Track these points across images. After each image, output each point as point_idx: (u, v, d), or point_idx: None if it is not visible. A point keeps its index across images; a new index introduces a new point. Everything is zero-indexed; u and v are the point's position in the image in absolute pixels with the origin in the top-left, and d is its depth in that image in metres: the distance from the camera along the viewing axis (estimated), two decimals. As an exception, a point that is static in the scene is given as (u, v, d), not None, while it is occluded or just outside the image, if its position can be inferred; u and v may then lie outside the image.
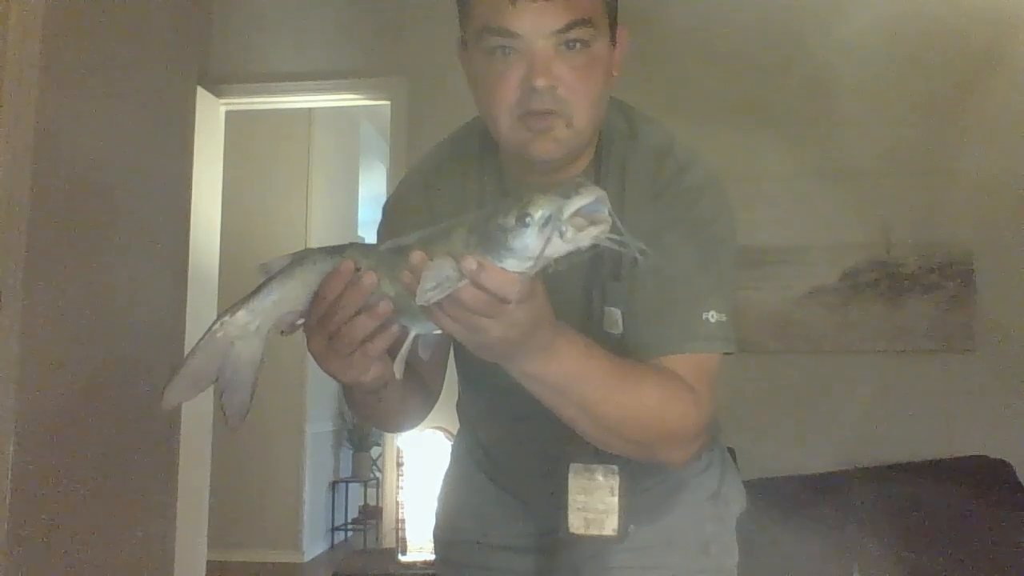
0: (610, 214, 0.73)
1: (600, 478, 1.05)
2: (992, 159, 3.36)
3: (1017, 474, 3.01)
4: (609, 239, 0.74)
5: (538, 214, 0.71)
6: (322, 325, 0.84)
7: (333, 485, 5.81)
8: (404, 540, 3.21)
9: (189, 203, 3.33)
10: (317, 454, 5.57)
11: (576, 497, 1.05)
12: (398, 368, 0.86)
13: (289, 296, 0.85)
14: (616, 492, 1.05)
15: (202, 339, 0.85)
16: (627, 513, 1.06)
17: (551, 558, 1.19)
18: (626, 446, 0.98)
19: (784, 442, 3.16)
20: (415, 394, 1.12)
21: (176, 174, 3.23)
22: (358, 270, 0.81)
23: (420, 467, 3.20)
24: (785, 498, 2.73)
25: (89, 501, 2.59)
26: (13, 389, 2.27)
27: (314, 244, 5.28)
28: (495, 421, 1.23)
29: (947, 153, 3.40)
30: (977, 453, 3.08)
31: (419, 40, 3.68)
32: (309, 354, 0.88)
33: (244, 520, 5.11)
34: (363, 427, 5.88)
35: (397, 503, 3.25)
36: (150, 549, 2.96)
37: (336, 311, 0.82)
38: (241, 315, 0.85)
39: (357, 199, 6.36)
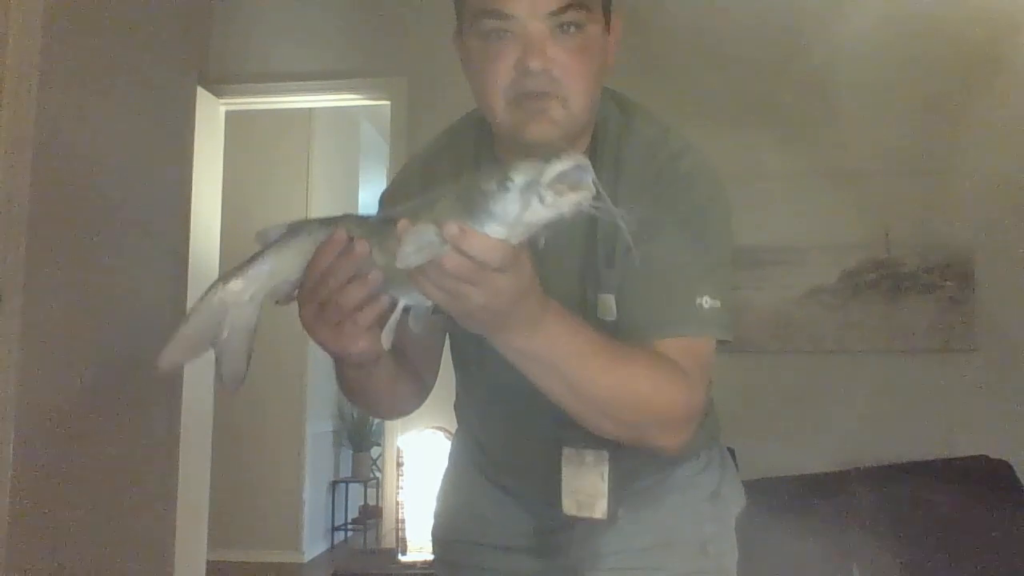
0: (593, 183, 0.73)
1: (590, 462, 1.05)
2: (992, 159, 3.36)
3: (1017, 474, 3.01)
4: (592, 207, 0.74)
5: (518, 178, 0.72)
6: (314, 293, 0.84)
7: (333, 485, 5.81)
8: (404, 540, 3.21)
9: (189, 203, 3.33)
10: (317, 454, 5.57)
11: (568, 480, 1.06)
12: (386, 338, 0.86)
13: (284, 265, 0.86)
14: (605, 477, 1.05)
15: (198, 304, 0.86)
16: (617, 498, 1.06)
17: (548, 558, 1.19)
18: (616, 428, 0.97)
19: (784, 442, 3.16)
20: (407, 380, 1.12)
21: (176, 174, 3.24)
22: (352, 240, 0.82)
23: (420, 467, 3.20)
24: (785, 498, 2.73)
25: (89, 501, 2.59)
26: (13, 389, 2.27)
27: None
28: (490, 414, 1.23)
29: (947, 153, 3.40)
30: (977, 453, 3.08)
31: (419, 40, 3.68)
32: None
33: (244, 520, 5.11)
34: (363, 427, 5.88)
35: (397, 503, 3.25)
36: (150, 549, 2.96)
37: (328, 279, 0.83)
38: (236, 283, 0.86)
39: (357, 199, 6.36)
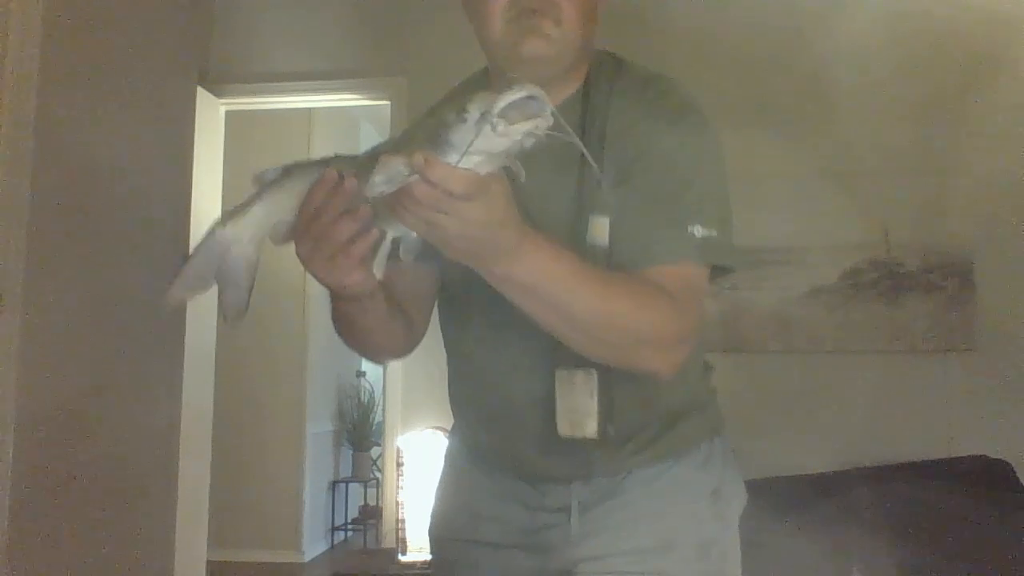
0: (553, 114, 0.76)
1: (579, 380, 1.08)
2: (992, 159, 3.36)
3: (1017, 474, 3.01)
4: (548, 134, 0.77)
5: (473, 108, 0.74)
6: (309, 229, 0.88)
7: (333, 485, 5.81)
8: (404, 540, 3.21)
9: (189, 203, 3.33)
10: (317, 454, 5.56)
11: (561, 401, 1.08)
12: (378, 268, 0.91)
13: (280, 206, 0.91)
14: (595, 394, 1.07)
15: (200, 243, 0.92)
16: (607, 416, 1.08)
17: (543, 557, 1.19)
18: (604, 350, 1.01)
19: (784, 442, 3.15)
20: (399, 320, 1.14)
21: (176, 174, 3.24)
22: (342, 177, 0.86)
23: (420, 467, 3.20)
24: (785, 498, 2.72)
25: (89, 500, 2.59)
26: (13, 389, 2.27)
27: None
28: (482, 358, 1.22)
29: (947, 153, 3.40)
30: (977, 453, 3.08)
31: (419, 40, 3.68)
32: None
33: (244, 520, 5.10)
34: (363, 427, 5.87)
35: (397, 503, 3.25)
36: (150, 549, 2.96)
37: (321, 215, 0.87)
38: (235, 223, 0.91)
39: (357, 199, 6.35)
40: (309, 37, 3.86)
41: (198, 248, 0.92)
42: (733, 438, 1.29)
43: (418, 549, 3.17)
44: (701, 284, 1.07)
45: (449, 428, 1.39)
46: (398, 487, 3.25)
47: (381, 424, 4.52)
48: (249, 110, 4.27)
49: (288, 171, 0.91)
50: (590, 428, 1.07)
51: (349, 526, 5.90)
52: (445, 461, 1.36)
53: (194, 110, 3.42)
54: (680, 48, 3.43)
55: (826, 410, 3.27)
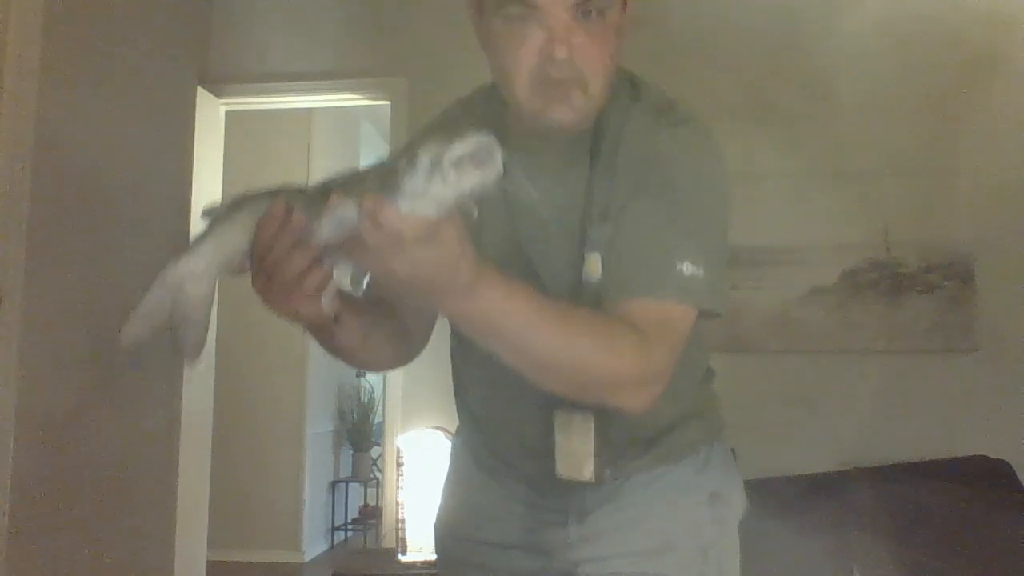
0: (505, 165, 0.76)
1: (578, 422, 1.07)
2: (992, 159, 3.36)
3: (1017, 474, 3.01)
4: (500, 186, 0.77)
5: (424, 157, 0.75)
6: (261, 263, 0.88)
7: (333, 485, 5.81)
8: (404, 540, 3.20)
9: (189, 203, 3.33)
10: (317, 454, 5.56)
11: (560, 441, 1.08)
12: (326, 303, 0.89)
13: (230, 239, 0.90)
14: (591, 438, 1.06)
15: (154, 283, 0.91)
16: (603, 460, 1.07)
17: (545, 557, 1.19)
18: (565, 388, 0.99)
19: (784, 442, 3.16)
20: (389, 334, 1.13)
21: (176, 174, 3.24)
22: (291, 211, 0.86)
23: (420, 467, 3.20)
24: (785, 498, 2.72)
25: (89, 501, 2.59)
26: (13, 389, 2.27)
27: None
28: (485, 382, 1.22)
29: (947, 153, 3.40)
30: (977, 453, 3.08)
31: (419, 40, 3.68)
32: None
33: (244, 520, 5.10)
34: (363, 427, 5.87)
35: (397, 503, 3.25)
36: (150, 549, 2.96)
37: (271, 250, 0.86)
38: (188, 258, 0.90)
39: (357, 199, 6.35)
40: (309, 37, 3.86)
41: (152, 287, 0.91)
42: (733, 438, 1.29)
43: (418, 549, 3.16)
44: (681, 325, 1.02)
45: (449, 428, 1.39)
46: (398, 487, 3.25)
47: (381, 424, 4.52)
48: (249, 110, 4.27)
49: (238, 204, 0.91)
50: (587, 471, 1.06)
51: (349, 526, 5.90)
52: (450, 460, 1.37)
53: (194, 110, 3.42)
54: (680, 48, 3.43)
55: (826, 410, 3.27)
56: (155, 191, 3.03)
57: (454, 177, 0.75)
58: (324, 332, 1.01)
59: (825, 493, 2.91)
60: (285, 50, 3.85)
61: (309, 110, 5.19)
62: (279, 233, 0.85)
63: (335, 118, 5.62)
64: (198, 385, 3.42)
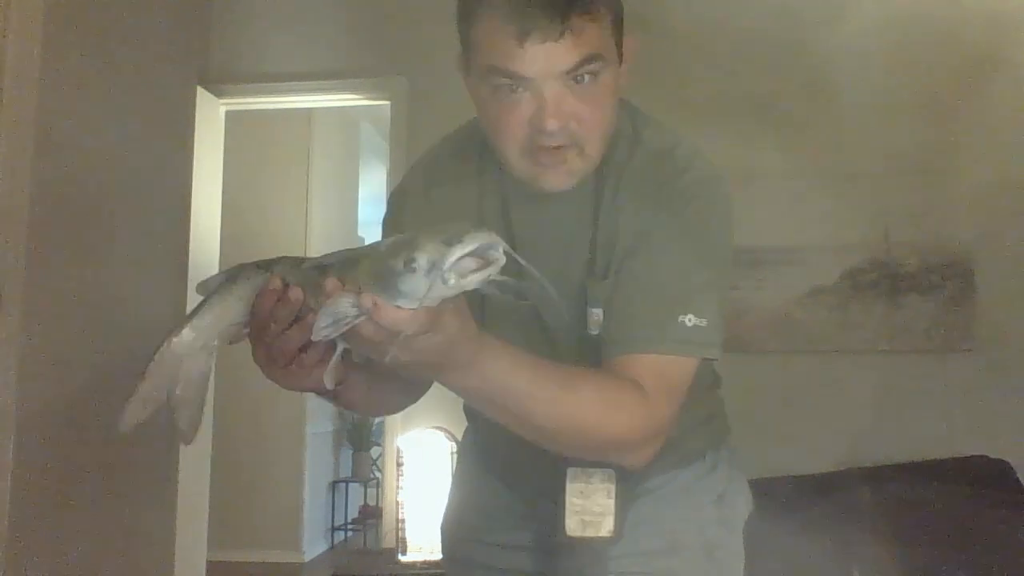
0: (506, 252, 0.74)
1: (597, 481, 1.05)
2: (992, 159, 3.36)
3: (1017, 474, 3.01)
4: (496, 281, 0.76)
5: (422, 260, 0.73)
6: (260, 337, 0.87)
7: (333, 485, 5.81)
8: (404, 540, 3.20)
9: (189, 203, 3.33)
10: (317, 454, 5.57)
11: (573, 500, 1.06)
12: (328, 379, 0.88)
13: (227, 312, 0.90)
14: (613, 494, 1.05)
15: (152, 361, 0.90)
16: (623, 514, 1.06)
17: (553, 559, 1.19)
18: (569, 452, 0.99)
19: (784, 442, 3.16)
20: (391, 388, 1.12)
21: (176, 174, 3.24)
22: (288, 285, 0.85)
23: (420, 467, 3.19)
24: (785, 498, 2.72)
25: (89, 501, 2.59)
26: (13, 389, 2.27)
27: (314, 244, 5.29)
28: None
29: (947, 153, 3.39)
30: (977, 453, 3.08)
31: (419, 40, 3.68)
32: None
33: (244, 520, 5.10)
34: (363, 427, 5.88)
35: (397, 503, 3.25)
36: (150, 549, 2.96)
37: (269, 325, 0.86)
38: (185, 334, 0.90)
39: (357, 199, 6.36)
40: (309, 37, 3.86)
41: (150, 366, 0.90)
42: (733, 438, 1.30)
43: (418, 549, 3.16)
44: (683, 377, 1.01)
45: (449, 428, 1.40)
46: (398, 487, 3.25)
47: (381, 424, 4.52)
48: (249, 110, 4.27)
49: (232, 277, 0.90)
50: (605, 527, 1.05)
51: (349, 526, 5.90)
52: (458, 461, 1.38)
53: (194, 110, 3.42)
54: (680, 48, 3.43)
55: (826, 410, 3.27)
56: (155, 191, 3.03)
57: (455, 280, 0.73)
58: (328, 396, 1.01)
59: (825, 493, 2.91)
60: (285, 50, 3.85)
61: (309, 110, 5.19)
62: (276, 309, 0.85)
63: (335, 118, 5.62)
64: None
